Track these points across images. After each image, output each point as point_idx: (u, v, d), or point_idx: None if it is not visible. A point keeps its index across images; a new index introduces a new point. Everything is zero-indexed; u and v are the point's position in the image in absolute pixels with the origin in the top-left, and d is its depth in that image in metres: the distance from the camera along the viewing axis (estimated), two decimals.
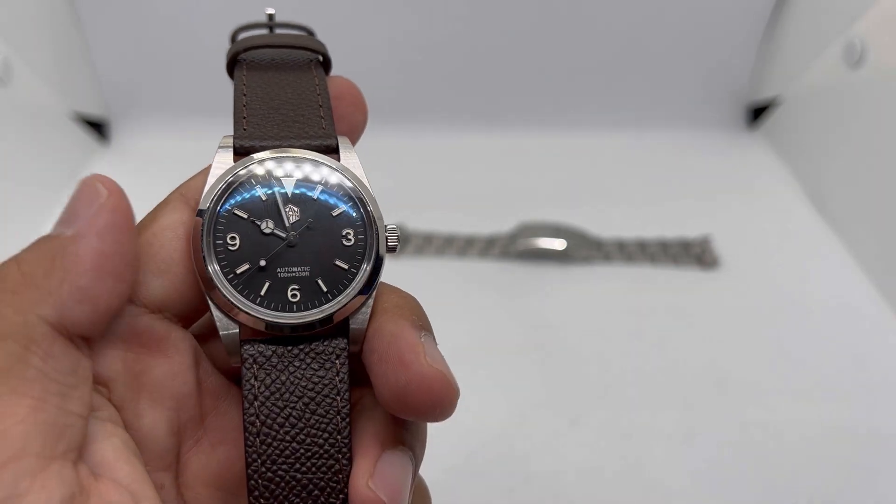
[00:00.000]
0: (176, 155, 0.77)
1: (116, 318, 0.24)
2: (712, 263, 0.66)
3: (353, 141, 0.27)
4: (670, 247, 0.67)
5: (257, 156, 0.25)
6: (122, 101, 0.80)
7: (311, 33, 0.31)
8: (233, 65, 0.29)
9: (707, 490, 0.48)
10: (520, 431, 0.52)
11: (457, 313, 0.60)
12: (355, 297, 0.24)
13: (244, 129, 0.26)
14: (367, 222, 0.25)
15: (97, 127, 0.80)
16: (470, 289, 0.63)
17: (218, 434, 0.26)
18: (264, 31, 0.30)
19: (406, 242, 0.67)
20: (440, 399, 0.23)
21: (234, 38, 0.30)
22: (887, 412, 0.53)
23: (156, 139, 0.80)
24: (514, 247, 0.65)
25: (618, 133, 0.82)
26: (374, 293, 0.25)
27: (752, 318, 0.60)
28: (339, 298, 0.24)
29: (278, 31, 0.30)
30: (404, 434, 0.25)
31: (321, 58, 0.29)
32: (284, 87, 0.27)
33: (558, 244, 0.65)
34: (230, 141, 0.26)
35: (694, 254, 0.66)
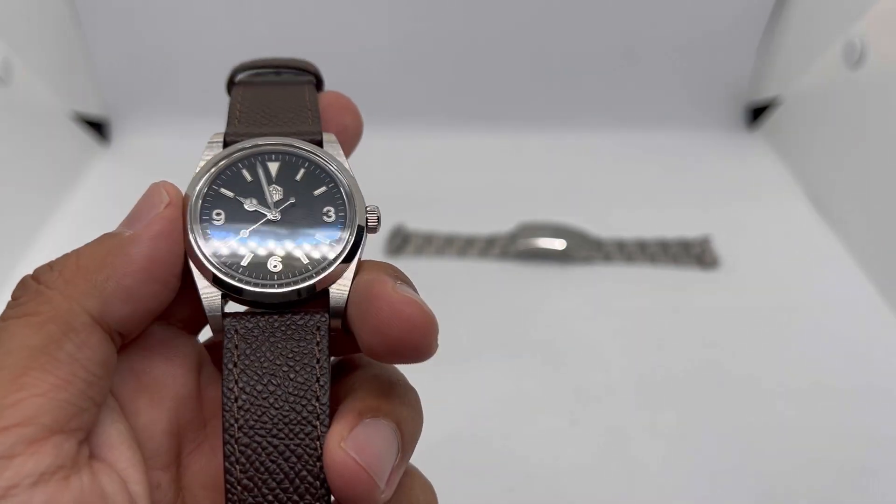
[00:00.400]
0: (176, 155, 0.76)
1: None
2: (712, 263, 0.66)
3: (348, 148, 0.29)
4: (670, 247, 0.67)
5: (244, 142, 0.27)
6: (122, 101, 0.80)
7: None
8: (231, 86, 0.31)
9: (707, 490, 0.48)
10: (520, 431, 0.52)
11: (457, 313, 0.60)
12: (335, 267, 0.25)
13: (235, 127, 0.28)
14: (347, 200, 0.26)
15: (97, 127, 0.80)
16: (470, 289, 0.63)
17: (220, 438, 0.26)
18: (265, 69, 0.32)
19: (406, 242, 0.67)
20: (414, 325, 0.23)
21: (232, 78, 0.31)
22: (887, 412, 0.53)
23: (156, 139, 0.80)
24: (514, 247, 0.65)
25: (618, 133, 0.82)
26: (353, 265, 0.25)
27: (752, 317, 0.60)
28: (319, 269, 0.25)
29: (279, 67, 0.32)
30: (387, 405, 0.25)
31: (315, 80, 0.31)
32: (276, 99, 0.29)
33: (558, 244, 0.65)
34: (220, 137, 0.27)
35: (694, 254, 0.66)
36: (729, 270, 0.65)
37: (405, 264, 0.65)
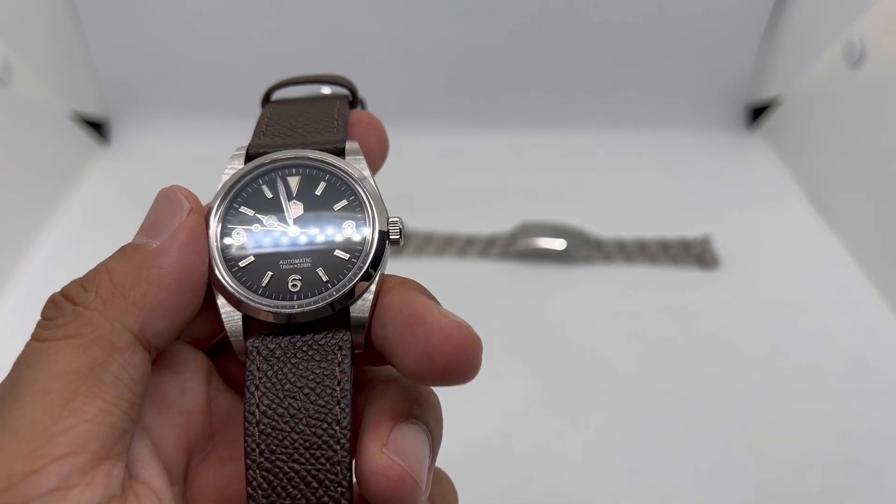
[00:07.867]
0: (176, 155, 0.77)
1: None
2: (712, 263, 0.66)
3: (373, 167, 0.28)
4: (670, 247, 0.67)
5: (263, 157, 0.27)
6: (122, 101, 0.80)
7: (352, 90, 0.32)
8: (265, 103, 0.31)
9: (707, 490, 0.48)
10: (520, 431, 0.52)
11: (457, 313, 0.60)
12: (356, 284, 0.25)
13: (259, 139, 0.28)
14: (368, 213, 0.26)
15: (97, 127, 0.80)
16: (470, 289, 0.63)
17: (226, 449, 0.26)
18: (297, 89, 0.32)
19: (406, 242, 0.67)
20: (463, 349, 0.23)
21: (268, 95, 0.31)
22: (887, 412, 0.53)
23: (156, 139, 0.80)
24: (514, 247, 0.65)
25: (618, 133, 0.82)
26: (375, 281, 0.25)
27: (752, 318, 0.61)
28: (339, 286, 0.25)
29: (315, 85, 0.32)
30: (416, 409, 0.25)
31: (350, 96, 0.31)
32: (305, 112, 0.29)
33: (558, 244, 0.65)
34: (243, 150, 0.27)
35: (694, 254, 0.66)
36: (729, 270, 0.65)
37: (405, 264, 0.65)
